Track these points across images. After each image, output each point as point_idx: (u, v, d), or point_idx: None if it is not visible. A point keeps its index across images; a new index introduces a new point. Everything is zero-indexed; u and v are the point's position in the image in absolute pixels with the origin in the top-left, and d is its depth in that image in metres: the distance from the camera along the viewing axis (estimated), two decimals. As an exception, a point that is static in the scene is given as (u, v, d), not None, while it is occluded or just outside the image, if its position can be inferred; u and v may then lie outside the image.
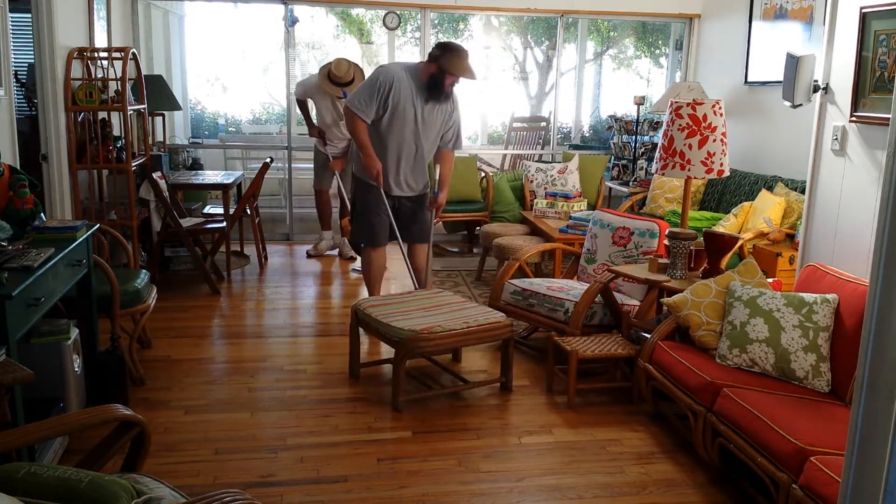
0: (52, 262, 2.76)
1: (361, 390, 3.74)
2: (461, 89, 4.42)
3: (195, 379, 3.83)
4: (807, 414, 2.64)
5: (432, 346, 3.51)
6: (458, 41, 10.61)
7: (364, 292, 5.12)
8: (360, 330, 3.84)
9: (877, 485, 1.15)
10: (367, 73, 5.76)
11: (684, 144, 3.79)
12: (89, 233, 3.27)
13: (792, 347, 2.93)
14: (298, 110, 6.27)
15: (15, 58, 4.26)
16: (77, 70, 4.75)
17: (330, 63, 5.82)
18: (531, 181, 6.54)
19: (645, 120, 6.94)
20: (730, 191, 5.74)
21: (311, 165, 6.48)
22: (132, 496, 1.71)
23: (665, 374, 3.20)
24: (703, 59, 7.00)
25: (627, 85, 10.13)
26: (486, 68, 10.70)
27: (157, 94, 5.99)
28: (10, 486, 1.67)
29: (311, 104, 6.20)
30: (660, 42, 9.84)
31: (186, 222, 5.48)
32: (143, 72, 5.53)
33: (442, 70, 4.14)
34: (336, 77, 5.75)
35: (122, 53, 4.97)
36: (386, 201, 4.38)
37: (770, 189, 5.13)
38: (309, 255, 6.42)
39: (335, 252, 6.53)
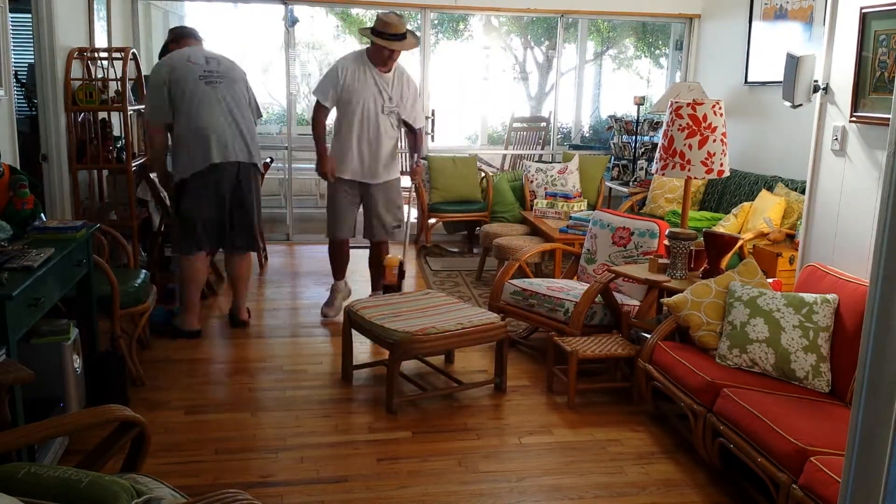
0: (52, 262, 2.76)
1: (361, 391, 3.74)
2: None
3: (195, 379, 3.83)
4: (807, 414, 2.64)
5: (427, 347, 3.49)
6: (458, 41, 10.67)
7: (362, 292, 5.13)
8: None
9: (877, 485, 1.15)
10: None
11: (684, 144, 3.79)
12: (89, 233, 3.26)
13: (792, 347, 2.93)
14: (314, 129, 4.66)
15: (15, 58, 4.26)
16: (77, 70, 4.74)
17: (368, 28, 4.56)
18: (531, 181, 6.54)
19: (645, 120, 6.94)
20: (730, 191, 5.74)
21: (312, 166, 5.14)
22: (132, 496, 1.71)
23: (665, 375, 3.20)
24: (703, 60, 7.00)
25: (627, 85, 10.14)
26: (486, 68, 10.73)
27: (157, 94, 5.98)
28: (10, 486, 1.67)
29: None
30: (660, 42, 9.84)
31: (186, 222, 5.47)
32: (143, 72, 5.53)
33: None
34: (387, 28, 4.45)
35: (122, 53, 4.97)
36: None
37: (770, 189, 5.14)
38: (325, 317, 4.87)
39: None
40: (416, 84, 4.80)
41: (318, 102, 4.58)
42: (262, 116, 4.66)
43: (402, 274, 4.66)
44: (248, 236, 4.43)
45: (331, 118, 4.69)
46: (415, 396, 3.64)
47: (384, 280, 4.68)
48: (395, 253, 4.81)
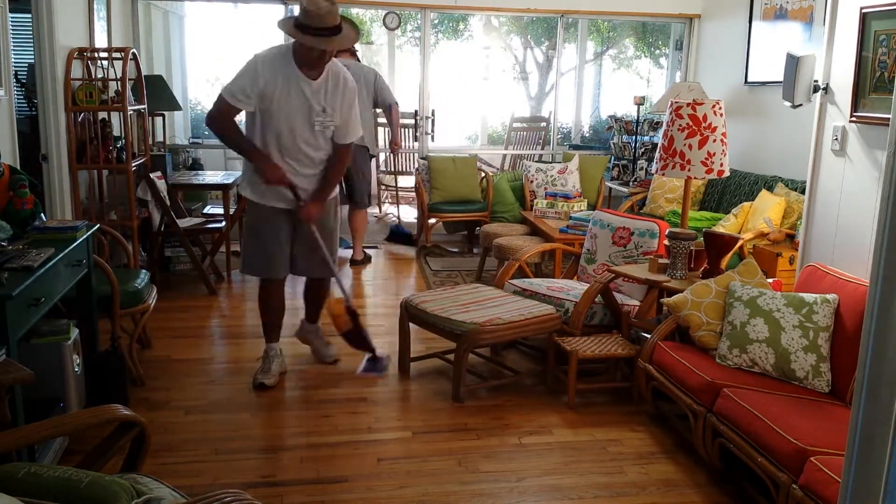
0: (52, 262, 2.76)
1: (361, 390, 3.74)
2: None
3: (195, 379, 3.83)
4: (807, 414, 2.64)
5: (493, 337, 3.62)
6: (458, 41, 10.68)
7: (370, 291, 5.13)
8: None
9: (877, 485, 1.15)
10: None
11: (684, 144, 3.79)
12: (89, 233, 3.26)
13: (792, 347, 2.93)
14: (226, 131, 3.54)
15: (15, 58, 4.26)
16: (77, 70, 4.74)
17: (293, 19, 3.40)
18: (531, 181, 6.54)
19: (645, 120, 6.94)
20: (730, 191, 5.73)
21: None
22: (132, 496, 1.71)
23: (665, 375, 3.20)
24: (703, 59, 7.00)
25: (627, 85, 10.14)
26: (486, 68, 10.73)
27: (157, 94, 5.98)
28: (10, 486, 1.67)
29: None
30: (660, 42, 9.84)
31: (186, 222, 5.48)
32: (143, 72, 5.53)
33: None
34: (313, 21, 3.30)
35: (122, 53, 4.97)
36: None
37: (770, 189, 5.13)
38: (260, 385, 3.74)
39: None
40: (353, 88, 3.61)
41: (225, 103, 3.42)
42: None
43: (354, 314, 3.81)
44: (354, 193, 5.97)
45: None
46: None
47: (337, 330, 3.86)
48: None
